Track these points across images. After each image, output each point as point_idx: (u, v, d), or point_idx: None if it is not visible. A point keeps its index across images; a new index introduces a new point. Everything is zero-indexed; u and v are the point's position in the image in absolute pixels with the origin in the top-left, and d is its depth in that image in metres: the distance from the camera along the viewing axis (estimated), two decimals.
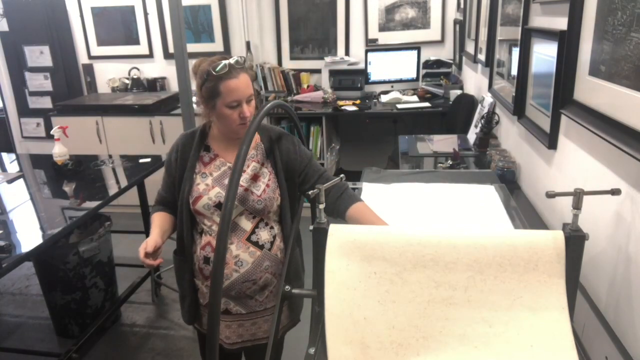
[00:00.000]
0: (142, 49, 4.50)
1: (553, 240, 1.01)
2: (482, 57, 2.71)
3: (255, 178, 1.52)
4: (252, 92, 1.46)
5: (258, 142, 1.58)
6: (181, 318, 1.81)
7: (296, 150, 1.56)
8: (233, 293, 1.55)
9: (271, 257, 1.55)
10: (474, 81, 3.30)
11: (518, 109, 1.89)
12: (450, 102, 3.53)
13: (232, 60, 1.42)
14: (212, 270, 0.84)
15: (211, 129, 1.60)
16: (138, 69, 4.56)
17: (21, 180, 2.70)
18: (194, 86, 1.56)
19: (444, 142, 2.67)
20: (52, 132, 2.71)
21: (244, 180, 1.50)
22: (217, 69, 1.38)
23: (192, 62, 1.56)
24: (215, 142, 1.59)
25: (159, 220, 1.57)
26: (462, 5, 3.64)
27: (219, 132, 1.57)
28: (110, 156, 3.03)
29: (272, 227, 1.56)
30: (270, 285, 1.60)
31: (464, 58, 3.70)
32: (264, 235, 1.53)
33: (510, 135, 2.21)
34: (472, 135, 2.64)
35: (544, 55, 1.58)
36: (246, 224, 1.52)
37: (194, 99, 2.32)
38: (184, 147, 1.60)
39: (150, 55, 4.51)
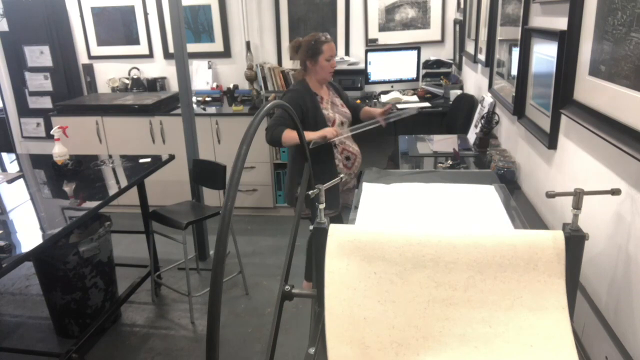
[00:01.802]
0: (142, 49, 4.50)
1: (553, 240, 1.01)
2: (482, 57, 2.71)
3: (341, 105, 2.65)
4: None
5: (328, 86, 2.65)
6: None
7: (337, 87, 2.77)
8: (355, 172, 2.68)
9: (359, 149, 2.71)
10: (474, 81, 3.30)
11: (518, 109, 1.89)
12: (450, 102, 3.53)
13: (323, 34, 2.50)
14: (213, 268, 0.85)
15: (309, 82, 2.55)
16: (138, 69, 4.56)
17: (21, 180, 2.70)
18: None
19: (444, 142, 2.67)
20: (52, 132, 2.71)
21: (339, 105, 2.64)
22: (322, 38, 2.47)
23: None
24: (317, 90, 2.57)
25: (294, 134, 2.39)
26: (462, 5, 3.64)
27: (315, 81, 2.55)
28: (110, 156, 3.03)
29: (354, 142, 2.67)
30: (360, 167, 2.69)
31: (464, 58, 3.70)
32: (354, 147, 2.67)
33: (510, 135, 2.21)
34: (472, 135, 2.64)
35: (544, 55, 1.58)
36: (347, 128, 2.58)
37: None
38: (305, 101, 2.48)
39: (150, 55, 4.51)
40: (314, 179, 2.28)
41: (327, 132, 2.36)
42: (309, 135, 2.35)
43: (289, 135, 2.38)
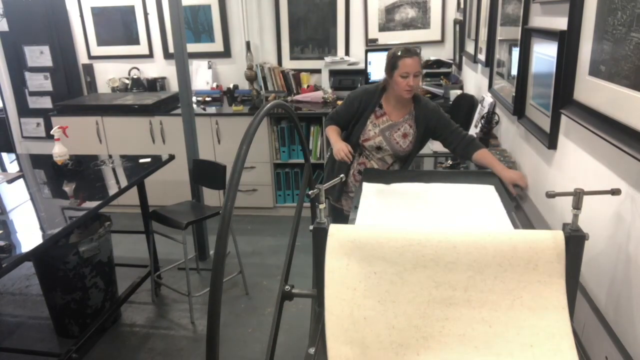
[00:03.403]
0: (142, 49, 4.50)
1: (553, 240, 1.01)
2: (482, 57, 2.71)
3: (405, 136, 2.25)
4: (419, 70, 2.15)
5: (411, 109, 2.26)
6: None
7: (439, 118, 2.22)
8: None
9: None
10: (474, 81, 3.30)
11: (518, 109, 1.89)
12: (450, 102, 3.53)
13: (414, 49, 2.20)
14: (213, 268, 0.85)
15: (386, 92, 2.25)
16: (138, 69, 4.56)
17: (21, 180, 2.70)
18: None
19: None
20: (52, 132, 2.71)
21: (397, 135, 2.25)
22: (399, 52, 2.16)
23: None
24: (387, 103, 2.26)
25: (337, 132, 2.31)
26: (462, 5, 3.64)
27: (391, 95, 2.23)
28: (110, 156, 3.03)
29: (400, 162, 2.33)
30: None
31: (464, 58, 3.70)
32: (395, 166, 2.33)
33: (510, 135, 2.21)
34: None
35: (544, 55, 1.58)
36: (389, 160, 2.30)
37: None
38: (367, 101, 2.26)
39: (150, 55, 4.51)
40: (332, 176, 2.32)
41: (338, 148, 2.14)
42: (335, 142, 2.21)
43: (329, 133, 2.29)
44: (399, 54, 2.16)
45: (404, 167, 2.33)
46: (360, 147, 2.28)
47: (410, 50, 2.18)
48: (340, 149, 2.13)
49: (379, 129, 2.24)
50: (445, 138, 2.20)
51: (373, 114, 2.25)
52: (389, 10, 4.14)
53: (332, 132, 2.28)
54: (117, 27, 4.47)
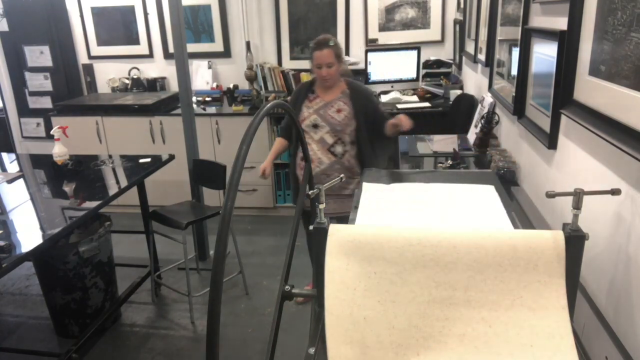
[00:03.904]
0: (142, 49, 4.50)
1: (553, 240, 1.01)
2: (482, 57, 2.71)
3: (339, 111, 2.47)
4: (330, 61, 2.38)
5: (344, 89, 2.51)
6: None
7: (369, 97, 2.55)
8: (315, 181, 2.34)
9: (341, 162, 2.52)
10: (474, 81, 3.30)
11: (518, 109, 1.89)
12: (450, 102, 3.53)
13: (320, 39, 2.40)
14: (213, 268, 0.86)
15: (317, 80, 2.52)
16: (138, 69, 4.56)
17: (21, 180, 2.70)
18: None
19: (444, 142, 2.67)
20: (52, 132, 2.71)
21: (332, 111, 2.46)
22: (312, 45, 2.41)
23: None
24: (320, 88, 2.52)
25: (275, 147, 2.69)
26: (462, 5, 3.64)
27: (318, 82, 2.51)
28: (110, 156, 3.03)
29: (345, 145, 2.51)
30: (347, 181, 2.55)
31: (464, 58, 3.70)
32: (338, 148, 2.51)
33: (510, 135, 2.21)
34: (472, 135, 2.64)
35: (544, 55, 1.58)
36: (329, 139, 2.49)
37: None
38: (301, 92, 2.56)
39: (150, 55, 4.51)
40: (295, 182, 2.62)
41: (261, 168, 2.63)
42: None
43: (273, 146, 2.67)
44: (312, 46, 2.41)
45: (361, 150, 2.51)
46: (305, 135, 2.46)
47: (321, 42, 2.38)
48: (261, 167, 2.61)
49: (313, 110, 2.49)
50: (375, 119, 2.46)
51: (307, 99, 2.52)
52: (389, 10, 4.14)
53: (273, 147, 2.68)
54: (117, 27, 4.47)
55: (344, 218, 2.46)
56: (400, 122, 2.25)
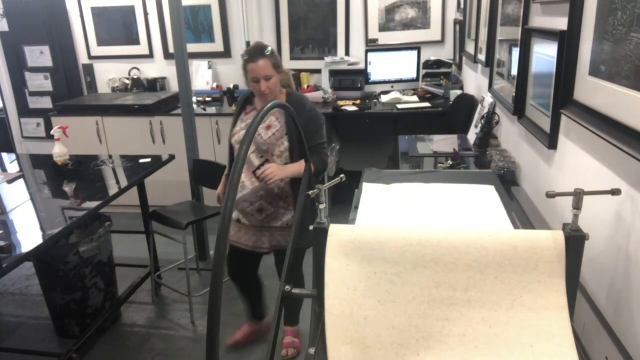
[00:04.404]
0: (142, 49, 4.50)
1: (553, 240, 1.01)
2: (482, 57, 2.71)
3: (268, 127, 2.10)
4: (269, 73, 2.04)
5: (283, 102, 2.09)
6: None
7: (309, 119, 2.09)
8: (238, 208, 2.15)
9: (267, 188, 2.08)
10: (474, 81, 3.30)
11: (518, 109, 1.89)
12: (450, 102, 3.53)
13: (262, 48, 2.06)
14: (213, 268, 0.85)
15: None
16: (138, 69, 4.56)
17: (21, 180, 2.70)
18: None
19: (444, 142, 2.67)
20: (52, 132, 2.71)
21: (260, 128, 2.04)
22: (245, 56, 2.06)
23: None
24: (258, 99, 2.18)
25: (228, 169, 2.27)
26: (462, 5, 3.64)
27: (257, 95, 2.16)
28: (110, 156, 3.03)
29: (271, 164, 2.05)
30: (266, 210, 2.15)
31: (464, 58, 3.70)
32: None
33: (510, 135, 2.21)
34: (472, 135, 2.64)
35: (544, 55, 1.58)
36: (255, 160, 2.11)
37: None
38: (240, 103, 2.25)
39: (150, 55, 4.51)
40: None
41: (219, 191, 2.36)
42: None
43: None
44: (245, 57, 2.07)
45: (297, 180, 2.05)
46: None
47: (255, 52, 2.05)
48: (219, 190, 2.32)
49: (245, 124, 2.16)
50: (308, 145, 1.98)
51: (243, 111, 2.22)
52: (389, 10, 4.14)
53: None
54: (117, 27, 4.47)
55: (281, 252, 2.29)
56: (265, 174, 2.00)
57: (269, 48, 2.10)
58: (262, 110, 1.01)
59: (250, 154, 2.06)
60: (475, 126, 2.61)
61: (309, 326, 1.22)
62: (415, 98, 3.90)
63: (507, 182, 1.94)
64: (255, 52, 2.04)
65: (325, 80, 4.14)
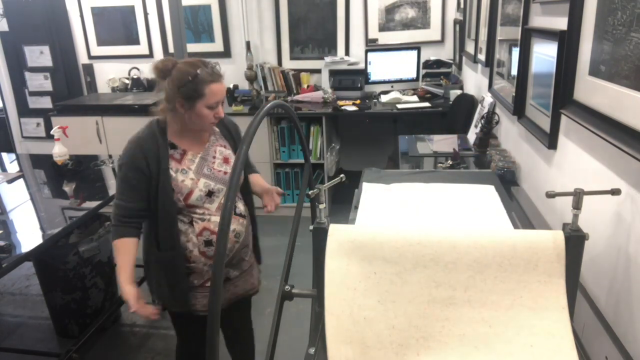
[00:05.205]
0: (142, 48, 4.50)
1: (553, 240, 1.01)
2: (482, 57, 2.71)
3: (226, 161, 1.74)
4: (224, 94, 1.67)
5: (212, 129, 1.74)
6: None
7: (240, 133, 1.83)
8: (235, 261, 1.81)
9: (247, 220, 1.82)
10: (474, 81, 3.30)
11: (518, 109, 1.89)
12: (450, 102, 3.53)
13: (215, 66, 1.61)
14: (213, 268, 0.85)
15: (169, 126, 1.66)
16: (138, 69, 4.56)
17: (21, 180, 2.70)
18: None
19: (444, 142, 2.67)
20: (52, 132, 2.71)
21: (218, 164, 1.71)
22: (202, 75, 1.55)
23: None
24: (178, 138, 1.66)
25: (125, 257, 1.65)
26: (462, 5, 3.64)
27: (181, 128, 1.65)
28: (110, 156, 3.03)
29: (240, 198, 1.81)
30: (250, 242, 1.90)
31: (464, 58, 3.70)
32: (240, 206, 1.79)
33: (510, 135, 2.21)
34: (472, 135, 2.64)
35: (544, 55, 1.58)
36: (239, 203, 1.79)
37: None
38: (152, 151, 1.61)
39: (150, 55, 4.51)
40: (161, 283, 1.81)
41: (133, 301, 1.58)
42: (123, 284, 1.62)
43: (118, 252, 1.68)
44: (204, 77, 1.55)
45: (246, 199, 1.83)
46: (183, 213, 1.65)
47: (216, 72, 1.60)
48: (129, 296, 1.57)
49: (193, 173, 1.65)
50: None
51: (172, 161, 1.63)
52: (389, 10, 4.14)
53: (122, 255, 1.65)
54: (117, 27, 4.48)
55: (245, 301, 1.99)
56: (276, 204, 1.86)
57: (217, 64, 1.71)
58: (262, 111, 1.01)
59: (222, 197, 1.69)
60: (475, 126, 2.61)
61: (309, 326, 1.22)
62: (415, 98, 3.90)
63: (507, 182, 1.94)
64: (216, 72, 1.60)
65: (325, 80, 4.14)
